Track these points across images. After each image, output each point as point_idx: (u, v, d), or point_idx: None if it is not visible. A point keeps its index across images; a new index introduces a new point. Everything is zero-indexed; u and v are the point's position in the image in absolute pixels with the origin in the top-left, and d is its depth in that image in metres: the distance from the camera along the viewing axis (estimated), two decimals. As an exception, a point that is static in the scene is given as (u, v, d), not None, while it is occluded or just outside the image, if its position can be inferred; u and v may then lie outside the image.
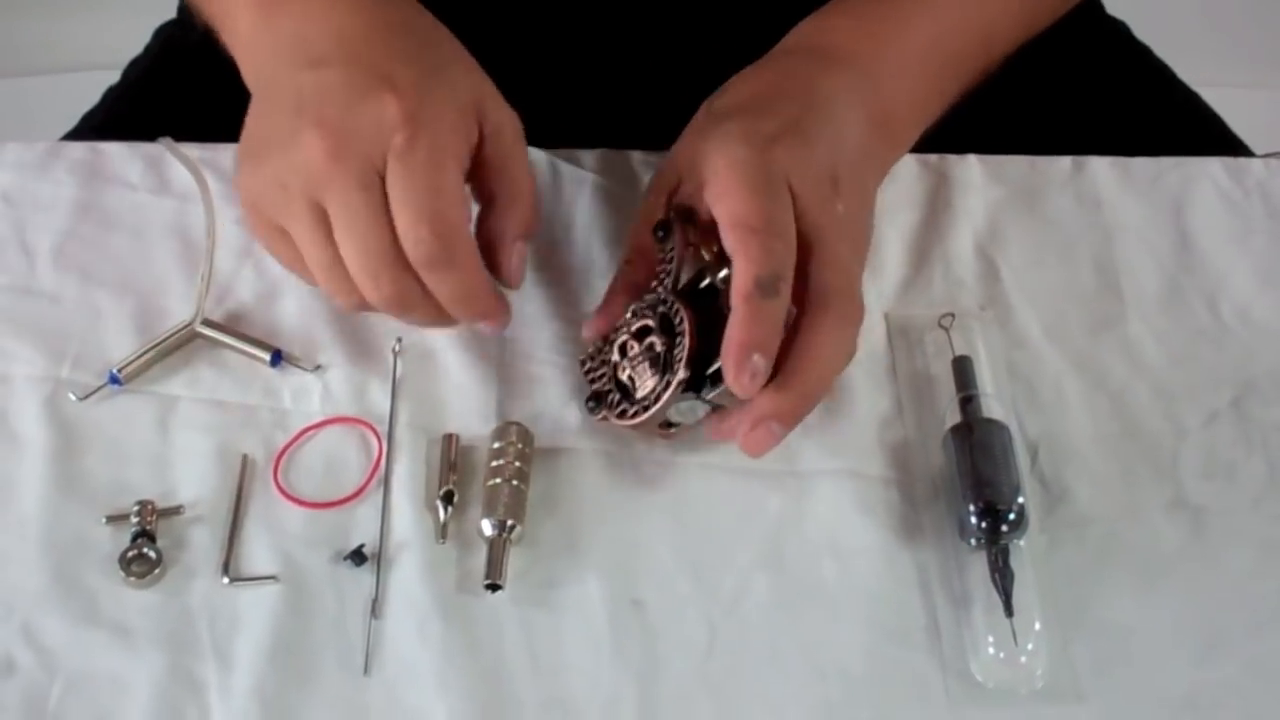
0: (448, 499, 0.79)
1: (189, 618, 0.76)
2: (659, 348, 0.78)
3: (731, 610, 0.77)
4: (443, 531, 0.78)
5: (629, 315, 0.81)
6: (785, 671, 0.75)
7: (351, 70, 0.76)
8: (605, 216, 0.92)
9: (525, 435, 0.80)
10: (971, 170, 0.93)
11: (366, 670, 0.75)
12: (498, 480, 0.78)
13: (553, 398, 0.84)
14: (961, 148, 0.93)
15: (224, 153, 0.93)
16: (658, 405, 0.77)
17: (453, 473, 0.80)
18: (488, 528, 0.77)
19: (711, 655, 0.75)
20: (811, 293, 0.77)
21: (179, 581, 0.77)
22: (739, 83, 0.85)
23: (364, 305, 0.78)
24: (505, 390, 0.84)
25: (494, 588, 0.75)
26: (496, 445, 0.79)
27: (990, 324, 0.86)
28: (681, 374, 0.77)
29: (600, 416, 0.80)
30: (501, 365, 0.85)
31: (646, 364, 0.79)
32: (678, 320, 0.78)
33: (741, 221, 0.77)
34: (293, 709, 0.73)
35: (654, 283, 0.81)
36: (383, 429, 0.82)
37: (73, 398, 0.83)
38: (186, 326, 0.86)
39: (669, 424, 0.80)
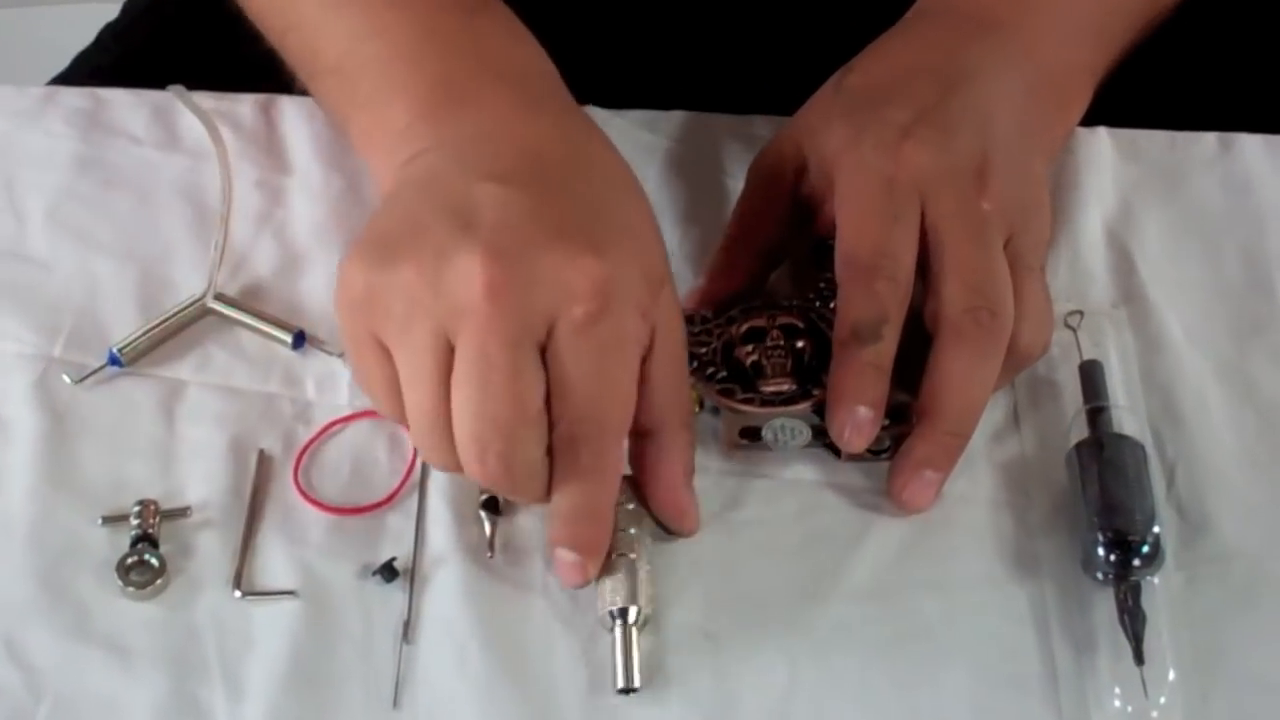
0: (491, 507, 0.79)
1: (195, 635, 0.77)
2: (808, 357, 0.81)
3: (817, 648, 0.77)
4: (490, 544, 0.78)
5: (777, 304, 0.84)
6: (876, 719, 0.75)
7: (543, 201, 0.74)
8: (680, 188, 0.93)
9: (638, 492, 0.79)
10: (1102, 145, 0.93)
11: (396, 703, 0.75)
12: (615, 555, 0.77)
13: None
14: (1090, 119, 0.93)
15: (242, 104, 0.94)
16: (783, 409, 0.80)
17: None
18: (613, 615, 0.76)
19: (792, 699, 0.75)
20: (942, 316, 0.79)
21: (184, 594, 0.78)
22: (872, 57, 0.87)
23: (454, 468, 0.75)
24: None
25: (628, 691, 0.75)
26: None
27: (1123, 324, 0.86)
28: (823, 395, 0.80)
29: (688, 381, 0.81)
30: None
31: (787, 362, 0.81)
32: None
33: (848, 255, 0.80)
34: (311, 741, 0.74)
35: (810, 294, 0.84)
36: (420, 426, 0.83)
37: (67, 380, 0.84)
38: (197, 302, 0.86)
39: (754, 435, 0.81)
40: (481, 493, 0.79)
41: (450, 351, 0.72)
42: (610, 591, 0.76)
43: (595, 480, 0.75)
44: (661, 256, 0.77)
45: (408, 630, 0.77)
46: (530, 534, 0.80)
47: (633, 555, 0.77)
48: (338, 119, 0.87)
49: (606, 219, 0.75)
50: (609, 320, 0.72)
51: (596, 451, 0.74)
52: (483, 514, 0.79)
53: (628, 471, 0.78)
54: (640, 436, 0.77)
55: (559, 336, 0.72)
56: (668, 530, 0.79)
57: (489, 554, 0.78)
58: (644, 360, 0.75)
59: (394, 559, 0.78)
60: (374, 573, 0.78)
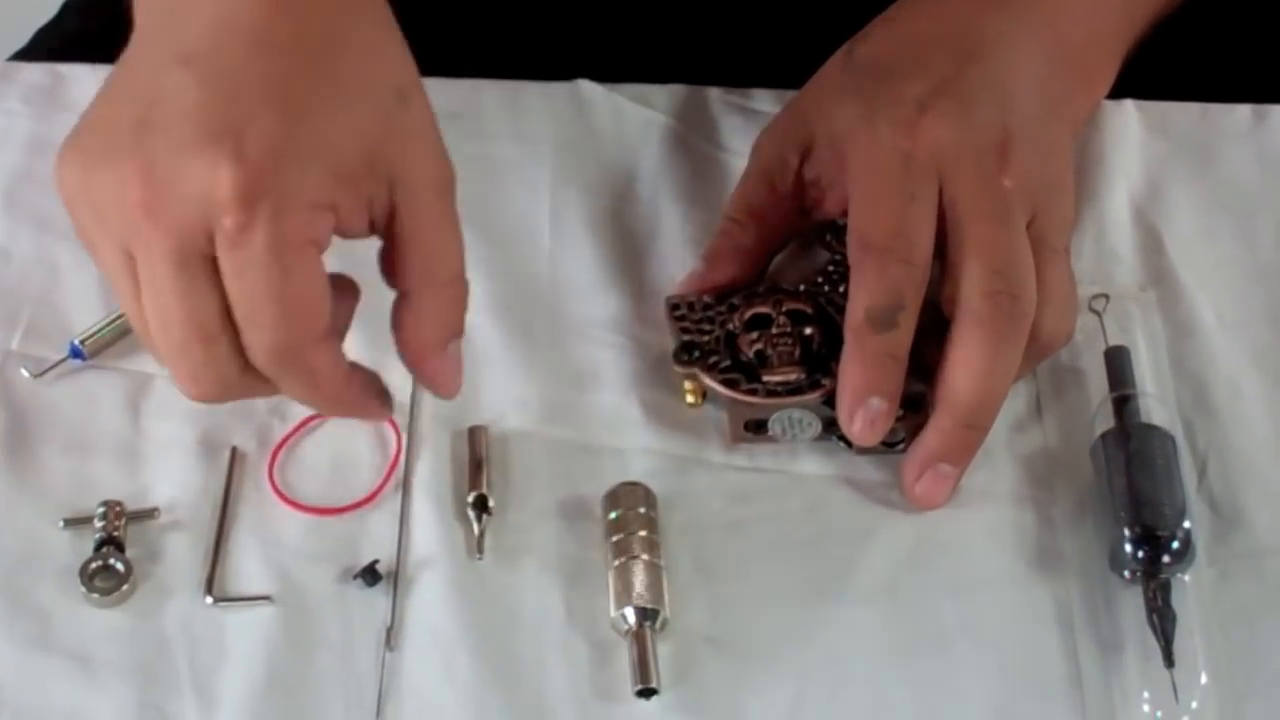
0: (480, 505, 0.79)
1: (164, 645, 0.77)
2: (815, 343, 0.81)
3: (827, 653, 0.77)
4: (479, 545, 0.78)
5: (782, 289, 0.84)
6: (891, 726, 0.75)
7: (206, 92, 0.71)
8: (677, 166, 0.93)
9: (647, 496, 0.80)
10: (1129, 119, 0.93)
11: (379, 714, 0.75)
12: (626, 558, 0.77)
13: (609, 386, 0.85)
14: (1117, 92, 0.93)
15: (212, 80, 0.93)
16: (791, 400, 0.80)
17: (482, 472, 0.80)
18: (627, 619, 0.76)
19: (801, 707, 0.75)
20: (960, 301, 0.79)
21: (152, 600, 0.78)
22: (883, 27, 0.87)
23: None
24: (551, 376, 0.85)
25: (648, 693, 0.75)
26: (614, 514, 0.79)
27: (1152, 308, 0.86)
28: (833, 385, 0.80)
29: (688, 371, 0.82)
30: (548, 347, 0.86)
31: (794, 350, 0.81)
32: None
33: (862, 237, 0.80)
34: (287, 756, 0.74)
35: (818, 278, 0.84)
36: (402, 421, 0.83)
37: (25, 374, 0.84)
38: (164, 290, 0.86)
39: (760, 427, 0.81)
40: (470, 491, 0.79)
41: (134, 261, 0.72)
42: (634, 593, 0.76)
43: (305, 381, 0.73)
44: (374, 120, 0.73)
45: (391, 637, 0.77)
46: (522, 532, 0.80)
47: (649, 558, 0.77)
48: None
49: (277, 101, 0.71)
50: (258, 230, 0.69)
51: (287, 362, 0.72)
52: (471, 513, 0.79)
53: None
54: (400, 295, 0.76)
55: (219, 251, 0.70)
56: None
57: (478, 556, 0.78)
58: (388, 219, 0.73)
59: (376, 561, 0.78)
60: (355, 576, 0.78)
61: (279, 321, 0.71)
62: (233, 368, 0.72)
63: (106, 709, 0.75)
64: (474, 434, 0.82)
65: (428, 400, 0.83)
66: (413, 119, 0.74)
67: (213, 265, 0.70)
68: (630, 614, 0.76)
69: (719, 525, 0.80)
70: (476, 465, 0.80)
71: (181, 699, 0.75)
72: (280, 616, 0.77)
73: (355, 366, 0.75)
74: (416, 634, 0.77)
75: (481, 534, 0.79)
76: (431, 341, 0.76)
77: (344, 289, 0.75)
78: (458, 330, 0.76)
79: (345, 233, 0.72)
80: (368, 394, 0.76)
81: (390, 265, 0.75)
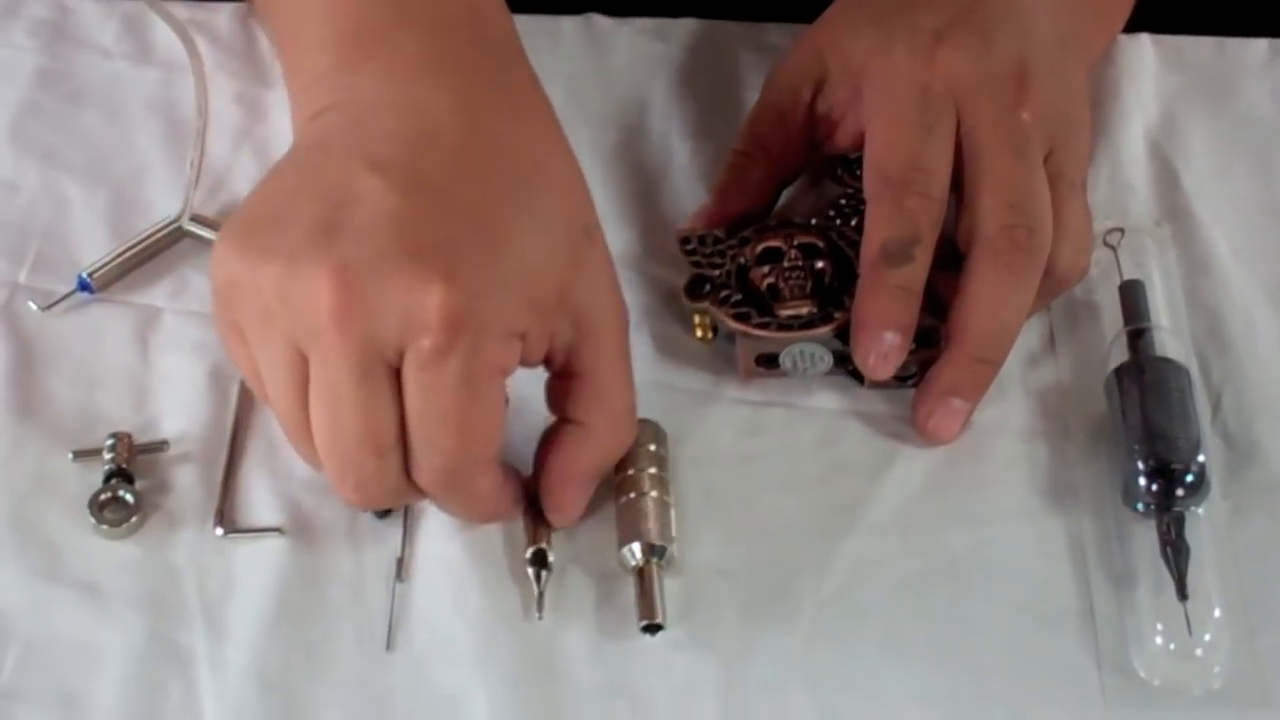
0: (539, 561, 0.77)
1: (173, 576, 0.78)
2: (827, 276, 0.82)
3: (841, 584, 0.78)
4: (538, 604, 0.76)
5: (794, 223, 0.84)
6: (902, 659, 0.76)
7: (413, 205, 0.71)
8: (689, 101, 0.94)
9: (657, 434, 0.80)
10: (1144, 53, 0.93)
11: (390, 645, 0.76)
12: (634, 494, 0.78)
13: (621, 321, 0.85)
14: (1132, 26, 0.94)
15: (219, 13, 0.94)
16: (803, 334, 0.81)
17: (540, 526, 0.78)
18: (634, 555, 0.77)
19: (813, 638, 0.76)
20: (976, 234, 0.80)
21: (161, 532, 0.79)
22: None
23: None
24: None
25: (653, 629, 0.76)
26: None
27: (1167, 242, 0.87)
28: (845, 318, 0.81)
29: (699, 305, 0.82)
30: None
31: (806, 283, 0.82)
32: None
33: (878, 169, 0.81)
34: (299, 689, 0.75)
35: (830, 211, 0.84)
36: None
37: (34, 307, 0.85)
38: (172, 224, 0.87)
39: (772, 361, 0.82)
40: (527, 547, 0.77)
41: (304, 363, 0.71)
42: (639, 529, 0.77)
43: (467, 506, 0.76)
44: (569, 241, 0.74)
45: (401, 569, 0.77)
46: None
47: (657, 494, 0.78)
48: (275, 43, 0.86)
49: (482, 227, 0.71)
50: (457, 356, 0.69)
51: (458, 487, 0.74)
52: (530, 571, 0.77)
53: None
54: (561, 422, 0.77)
55: (408, 368, 0.70)
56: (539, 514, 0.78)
57: (538, 616, 0.76)
58: (566, 353, 0.75)
59: None
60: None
61: (457, 447, 0.72)
62: (398, 481, 0.73)
63: (116, 640, 0.76)
64: (531, 484, 0.79)
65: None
66: (598, 256, 0.75)
67: (395, 377, 0.70)
68: (637, 550, 0.77)
69: (730, 459, 0.81)
70: (535, 518, 0.78)
71: (191, 630, 0.76)
72: (290, 549, 0.78)
73: (507, 472, 0.77)
74: (427, 566, 0.78)
75: (541, 593, 0.77)
76: (583, 473, 0.77)
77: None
78: (604, 470, 0.78)
79: (524, 362, 0.73)
80: (514, 502, 0.77)
81: (562, 396, 0.76)
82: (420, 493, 0.74)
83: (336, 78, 0.77)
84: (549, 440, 0.77)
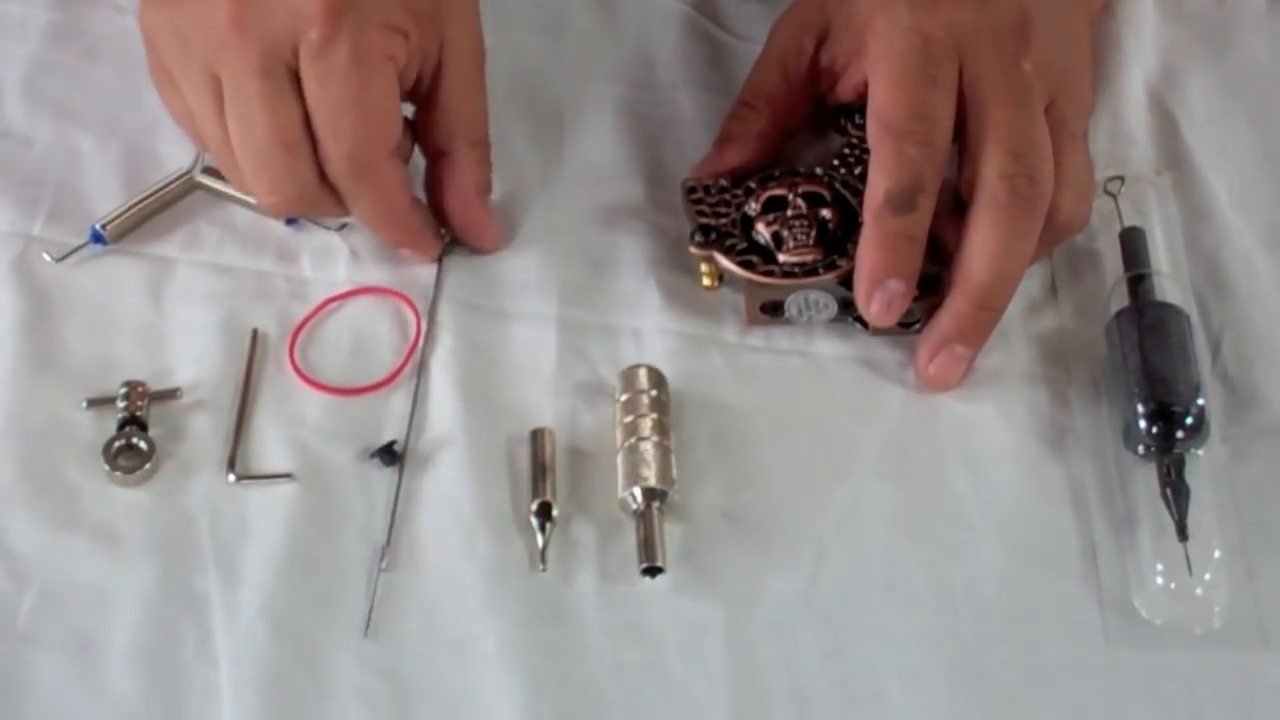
0: (544, 513, 0.77)
1: (187, 521, 0.78)
2: (831, 224, 0.82)
3: (842, 527, 0.78)
4: (541, 556, 0.76)
5: (798, 172, 0.84)
6: (906, 601, 0.76)
7: None
8: (695, 55, 0.94)
9: (659, 379, 0.80)
10: (1144, 3, 0.93)
11: (367, 632, 0.75)
12: (635, 439, 0.78)
13: (627, 269, 0.85)
14: (1132, -23, 0.94)
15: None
16: (807, 280, 0.81)
17: (546, 479, 0.79)
18: (635, 499, 0.77)
19: (817, 579, 0.76)
20: (979, 183, 0.79)
21: (175, 478, 0.79)
22: None
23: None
24: (570, 260, 0.86)
25: (653, 571, 0.76)
26: (625, 397, 0.80)
27: (1167, 190, 0.87)
28: (849, 266, 0.80)
29: (705, 253, 0.82)
30: (567, 231, 0.87)
31: (810, 232, 0.82)
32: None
33: (882, 118, 0.80)
34: (310, 631, 0.75)
35: (834, 161, 0.84)
36: (422, 303, 0.83)
37: (48, 258, 0.85)
38: (185, 175, 0.87)
39: (776, 309, 0.82)
40: (533, 499, 0.78)
41: (219, 82, 0.78)
42: (640, 474, 0.77)
43: (377, 194, 0.80)
44: None
45: (385, 555, 0.77)
46: (540, 414, 0.81)
47: (658, 439, 0.78)
48: None
49: None
50: (343, 41, 0.76)
51: (361, 170, 0.79)
52: (534, 522, 0.77)
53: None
54: (433, 157, 0.83)
55: (302, 62, 0.76)
56: (472, 249, 0.84)
57: (541, 567, 0.76)
58: (433, 77, 0.81)
59: (394, 442, 0.79)
60: (372, 455, 0.79)
61: (357, 128, 0.78)
62: (311, 177, 0.79)
63: (131, 584, 0.76)
64: (537, 437, 0.80)
65: (447, 283, 0.84)
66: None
67: (296, 78, 0.77)
68: (638, 494, 0.77)
69: (735, 405, 0.81)
70: (540, 470, 0.79)
71: (205, 574, 0.76)
72: (301, 494, 0.78)
73: (417, 202, 0.83)
74: (437, 510, 0.78)
75: (545, 545, 0.77)
76: (472, 194, 0.83)
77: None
78: (489, 186, 0.84)
79: (404, 76, 0.79)
80: (427, 223, 0.83)
81: (427, 125, 0.82)
82: (336, 199, 0.80)
83: None
84: (429, 183, 0.84)
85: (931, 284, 0.81)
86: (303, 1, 0.75)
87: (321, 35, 0.75)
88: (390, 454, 0.79)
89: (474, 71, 0.82)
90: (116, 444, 0.79)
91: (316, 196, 0.80)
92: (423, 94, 0.82)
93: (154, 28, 0.80)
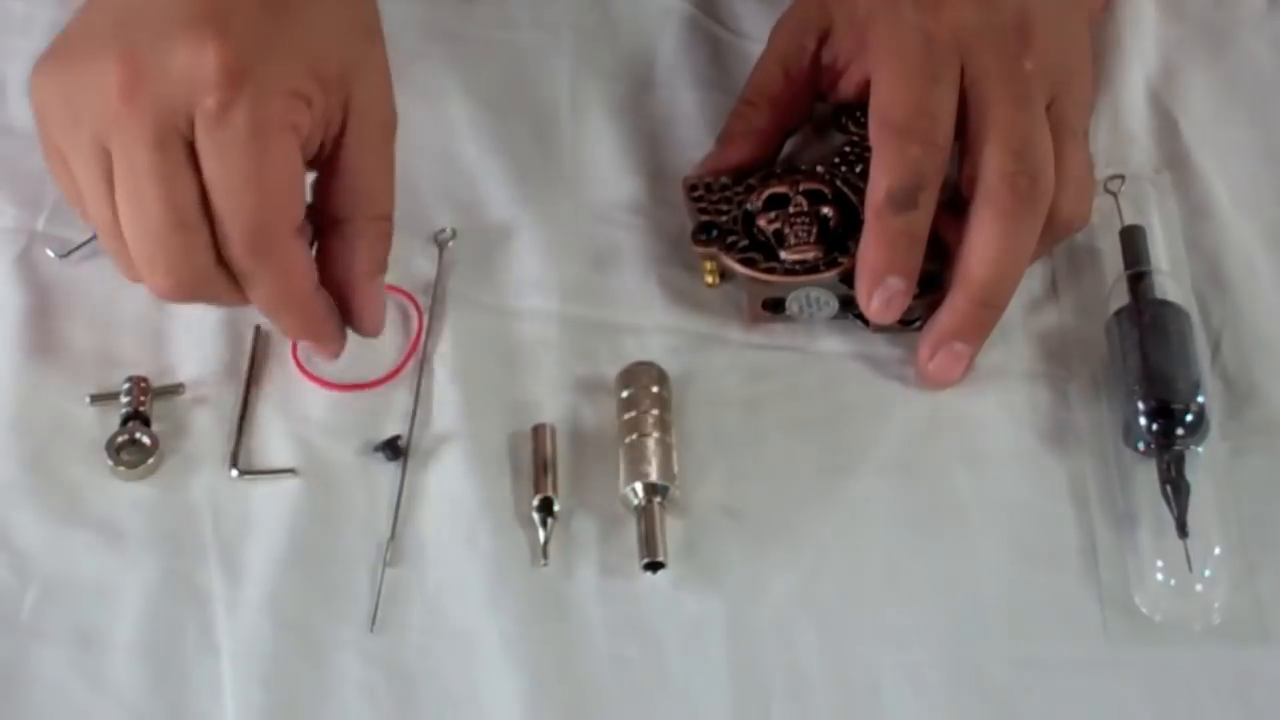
0: (546, 508, 0.78)
1: (190, 516, 0.78)
2: (833, 222, 0.82)
3: (843, 523, 0.78)
4: (543, 550, 0.77)
5: (800, 170, 0.85)
6: (907, 597, 0.76)
7: None
8: (696, 53, 0.94)
9: (660, 376, 0.80)
10: (1144, 3, 0.93)
11: (373, 628, 0.75)
12: (636, 435, 0.78)
13: (629, 266, 0.86)
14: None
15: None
16: (809, 278, 0.81)
17: (548, 474, 0.79)
18: (636, 494, 0.77)
19: (818, 575, 0.76)
20: (979, 181, 0.80)
21: (178, 473, 0.79)
22: None
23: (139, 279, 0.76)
24: (572, 257, 0.86)
25: (654, 566, 0.76)
26: (627, 393, 0.80)
27: (1167, 189, 0.87)
28: (850, 263, 0.80)
29: (707, 251, 0.82)
30: (570, 228, 0.87)
31: (812, 229, 0.82)
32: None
33: (884, 116, 0.81)
34: (313, 626, 0.75)
35: (835, 159, 0.85)
36: (424, 299, 0.84)
37: (51, 254, 0.85)
38: (188, 172, 0.87)
39: (778, 306, 0.82)
40: (535, 493, 0.78)
41: (109, 156, 0.72)
42: (641, 470, 0.77)
43: (278, 277, 0.75)
44: (347, 36, 0.76)
45: (389, 551, 0.77)
46: (543, 410, 0.81)
47: (659, 435, 0.78)
48: None
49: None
50: (242, 109, 0.71)
51: (262, 251, 0.73)
52: (535, 517, 0.77)
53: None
54: (327, 228, 0.77)
55: (199, 133, 0.71)
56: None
57: (543, 562, 0.76)
58: (335, 144, 0.76)
59: (398, 437, 0.79)
60: (375, 449, 0.79)
61: (258, 203, 0.72)
62: (208, 260, 0.73)
63: (134, 579, 0.76)
64: (539, 433, 0.80)
65: (450, 279, 0.84)
66: (379, 56, 0.77)
67: (192, 150, 0.72)
68: (639, 489, 0.77)
69: (737, 402, 0.81)
70: (542, 465, 0.79)
71: (207, 569, 0.76)
72: (304, 489, 0.78)
73: (320, 291, 0.77)
74: (439, 506, 0.78)
75: (547, 539, 0.77)
76: (361, 272, 0.78)
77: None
78: (384, 266, 0.79)
79: (307, 141, 0.74)
80: (332, 312, 0.77)
81: (326, 194, 0.77)
82: (233, 285, 0.74)
83: None
84: (322, 253, 0.78)
85: (932, 281, 0.81)
86: (199, 65, 0.70)
87: (219, 102, 0.71)
88: (394, 448, 0.79)
89: (382, 141, 0.78)
90: (120, 439, 0.79)
91: (213, 281, 0.74)
92: (323, 160, 0.77)
93: (44, 100, 0.75)
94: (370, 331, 0.79)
